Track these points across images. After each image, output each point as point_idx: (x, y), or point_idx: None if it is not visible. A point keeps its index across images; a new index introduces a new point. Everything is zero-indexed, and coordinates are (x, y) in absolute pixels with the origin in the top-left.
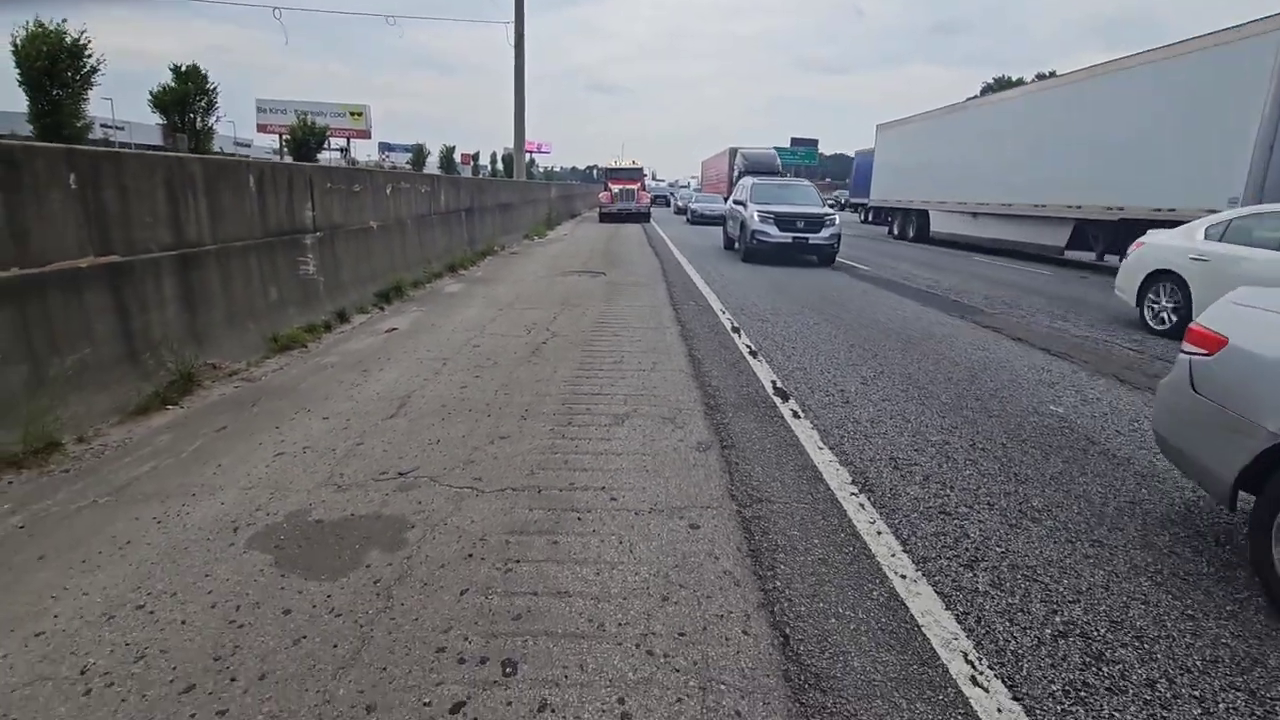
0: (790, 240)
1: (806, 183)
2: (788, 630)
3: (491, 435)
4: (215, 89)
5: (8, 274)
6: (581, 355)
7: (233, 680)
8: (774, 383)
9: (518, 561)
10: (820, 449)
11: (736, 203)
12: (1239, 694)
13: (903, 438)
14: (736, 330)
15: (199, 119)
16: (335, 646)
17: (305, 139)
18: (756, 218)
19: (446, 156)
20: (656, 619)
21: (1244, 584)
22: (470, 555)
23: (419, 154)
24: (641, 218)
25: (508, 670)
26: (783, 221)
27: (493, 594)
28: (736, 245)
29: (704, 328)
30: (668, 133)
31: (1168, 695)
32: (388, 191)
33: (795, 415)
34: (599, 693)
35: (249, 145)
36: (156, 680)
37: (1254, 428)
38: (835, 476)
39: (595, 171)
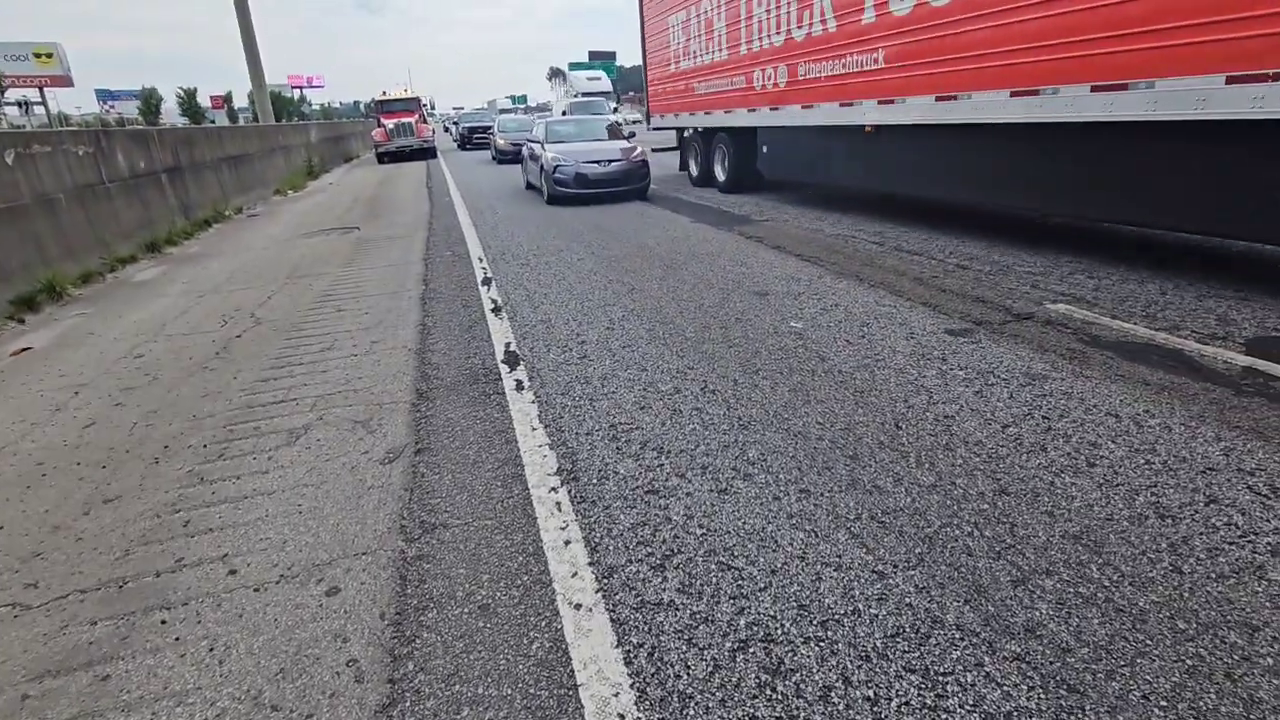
0: None
1: None
2: None
3: (91, 502)
4: None
5: None
6: (282, 346)
7: None
8: (508, 345)
9: None
10: (534, 429)
11: None
12: (915, 681)
13: (632, 394)
14: (487, 282)
15: None
16: None
17: None
18: None
19: (188, 101)
20: None
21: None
22: None
23: (149, 101)
24: (426, 154)
25: None
26: None
27: None
28: None
29: (452, 284)
30: (457, 55)
31: (841, 708)
32: (8, 160)
33: (519, 387)
34: None
35: None
36: None
37: None
38: (539, 469)
39: (363, 106)
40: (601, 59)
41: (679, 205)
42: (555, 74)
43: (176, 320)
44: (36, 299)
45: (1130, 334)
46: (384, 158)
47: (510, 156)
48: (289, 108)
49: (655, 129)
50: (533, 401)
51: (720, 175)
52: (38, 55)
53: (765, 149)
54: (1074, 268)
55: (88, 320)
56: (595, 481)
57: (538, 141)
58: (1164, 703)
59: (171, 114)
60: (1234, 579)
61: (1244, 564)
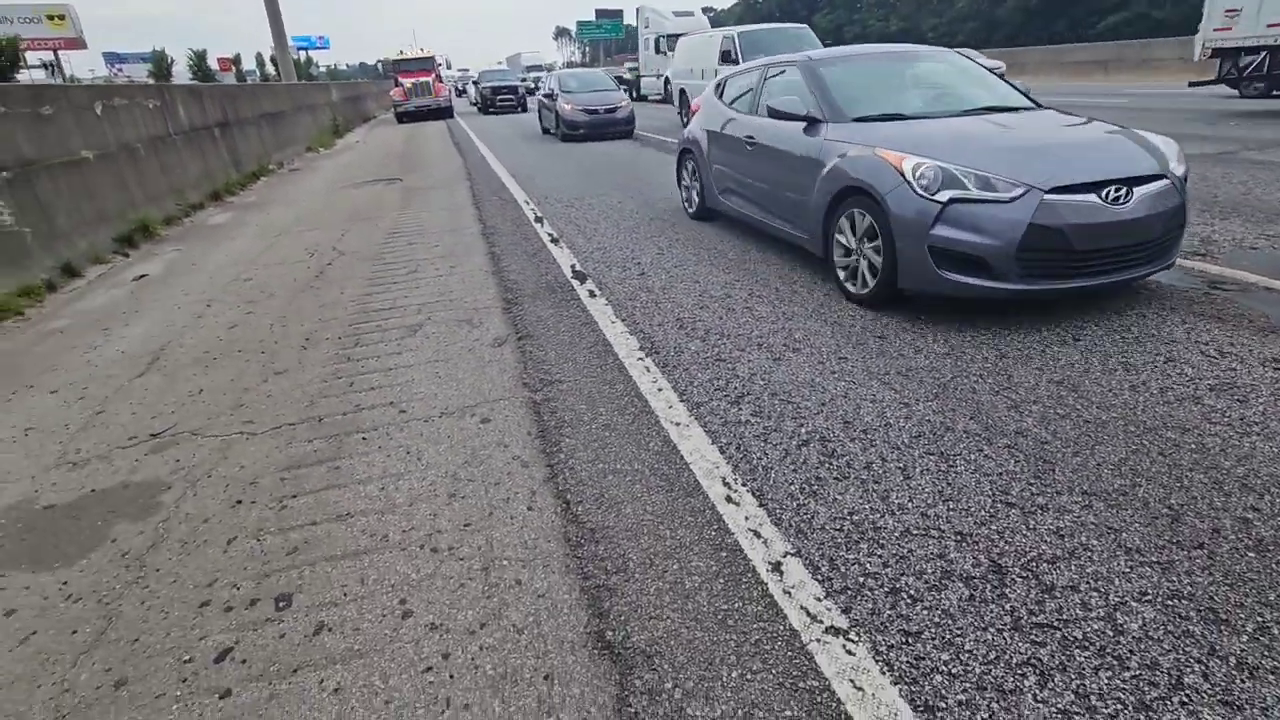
0: None
1: None
2: (569, 496)
3: (265, 374)
4: None
5: None
6: (372, 271)
7: None
8: (573, 266)
9: (294, 496)
10: (613, 323)
11: None
12: (933, 458)
13: (689, 298)
14: (539, 220)
15: None
16: (74, 633)
17: None
18: None
19: (198, 63)
20: (442, 517)
21: (978, 368)
22: (239, 502)
23: (160, 63)
24: (444, 113)
25: (281, 605)
26: None
27: (265, 535)
28: None
29: (506, 222)
30: (455, 18)
31: (880, 473)
32: (98, 111)
33: (591, 295)
34: (380, 600)
35: None
36: None
37: None
38: (625, 346)
39: (381, 66)
40: (610, 17)
41: None
42: (562, 34)
43: (265, 254)
44: (133, 237)
45: None
46: (403, 117)
47: (581, 131)
48: (300, 70)
49: None
50: (606, 304)
51: None
52: (50, 18)
53: None
54: None
55: (184, 255)
56: (673, 354)
57: (897, 153)
58: (1112, 465)
59: (181, 76)
60: (1177, 404)
61: (1187, 396)
